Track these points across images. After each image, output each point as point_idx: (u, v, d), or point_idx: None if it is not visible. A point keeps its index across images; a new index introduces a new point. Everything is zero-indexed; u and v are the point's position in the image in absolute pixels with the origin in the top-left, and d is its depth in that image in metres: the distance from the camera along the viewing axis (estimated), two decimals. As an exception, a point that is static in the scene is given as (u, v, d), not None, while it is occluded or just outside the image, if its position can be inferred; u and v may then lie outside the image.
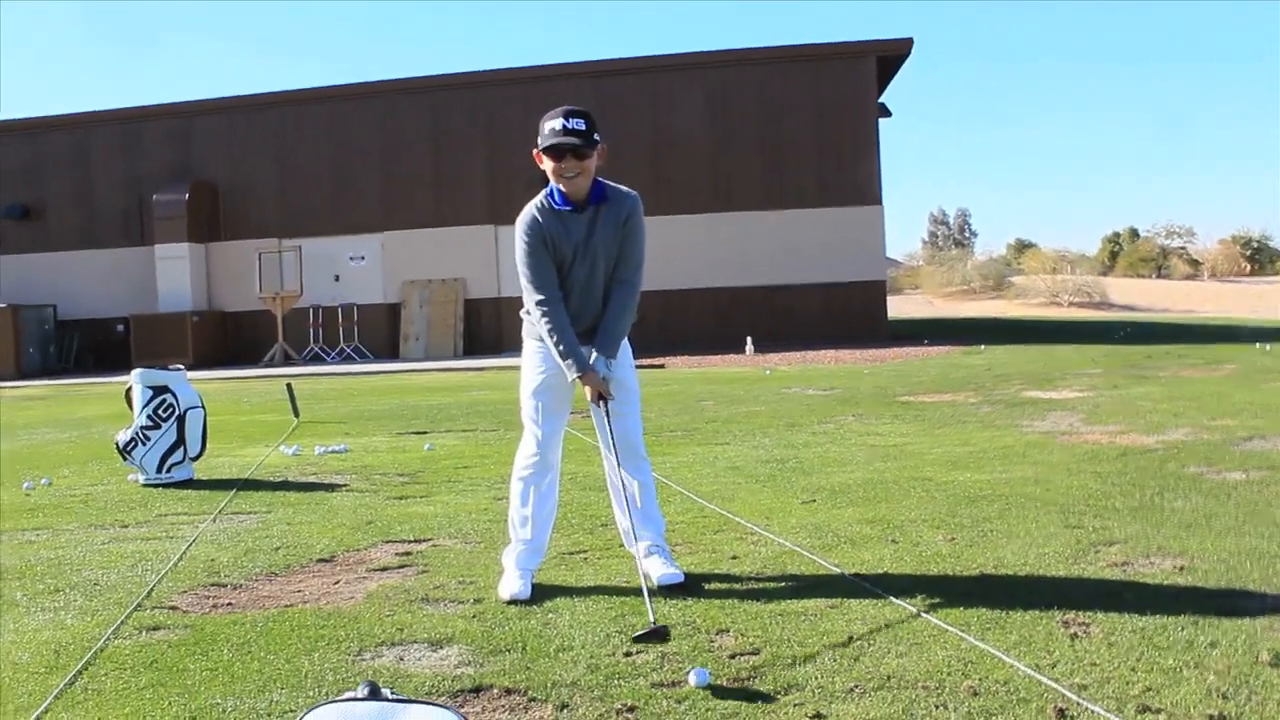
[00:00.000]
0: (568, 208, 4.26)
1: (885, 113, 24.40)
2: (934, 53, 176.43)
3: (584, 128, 4.14)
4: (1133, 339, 20.60)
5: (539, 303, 4.26)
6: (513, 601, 4.19)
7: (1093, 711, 2.95)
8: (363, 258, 24.34)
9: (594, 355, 4.30)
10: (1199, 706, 2.96)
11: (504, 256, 23.03)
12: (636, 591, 4.25)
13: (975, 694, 3.11)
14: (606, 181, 4.33)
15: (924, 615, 3.83)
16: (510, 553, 4.46)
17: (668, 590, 4.25)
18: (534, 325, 4.39)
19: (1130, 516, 5.24)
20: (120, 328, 24.28)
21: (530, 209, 4.29)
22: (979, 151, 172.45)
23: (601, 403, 4.32)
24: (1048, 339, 21.72)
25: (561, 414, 4.49)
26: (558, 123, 4.14)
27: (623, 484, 4.47)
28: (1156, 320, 31.52)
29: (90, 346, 24.60)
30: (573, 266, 4.29)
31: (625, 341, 4.47)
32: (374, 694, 1.70)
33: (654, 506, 4.57)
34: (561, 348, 4.25)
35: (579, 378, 4.27)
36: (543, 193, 4.31)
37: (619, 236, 4.30)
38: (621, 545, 4.97)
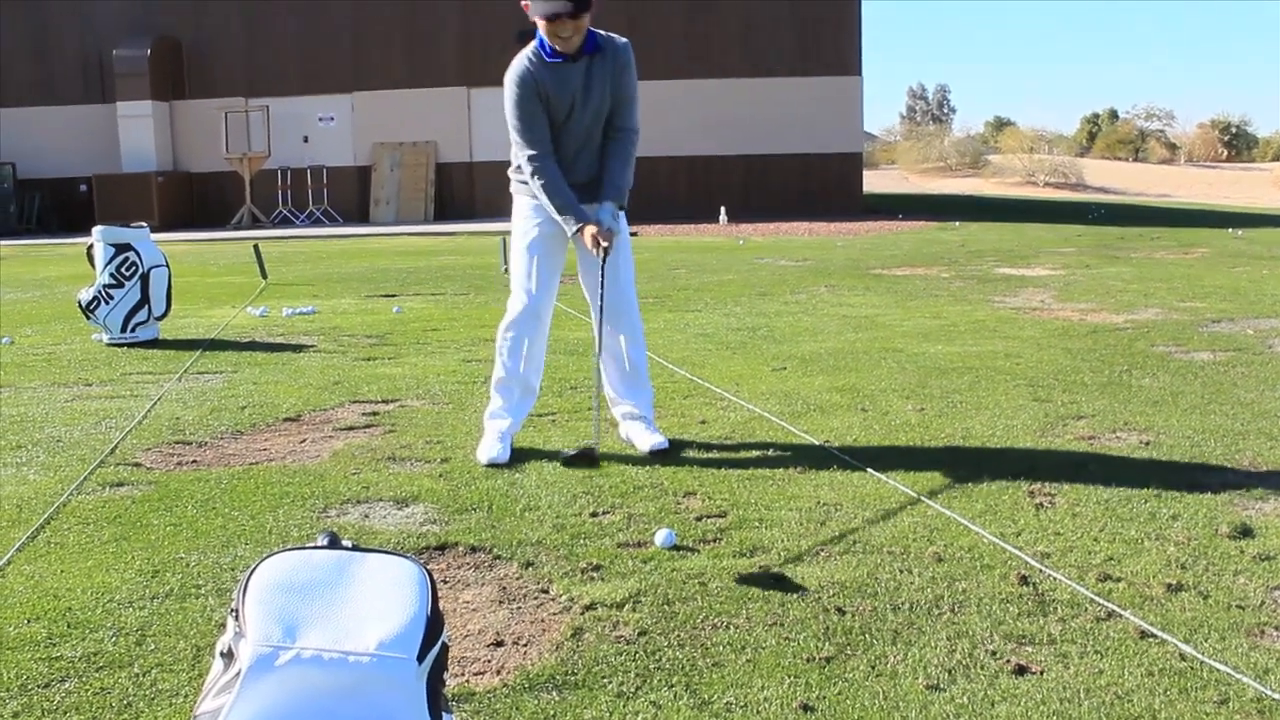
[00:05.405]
0: (559, 59, 4.04)
1: (869, -19, 23.90)
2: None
3: None
4: (1106, 220, 20.56)
5: (530, 158, 4.07)
6: (491, 465, 4.14)
7: (1055, 579, 2.98)
8: (332, 118, 23.77)
9: (601, 205, 4.14)
10: (1158, 576, 2.99)
11: (477, 120, 22.56)
12: (604, 455, 4.25)
13: (940, 560, 3.13)
14: (597, 30, 4.09)
15: (891, 482, 3.85)
16: (491, 415, 4.34)
17: (649, 455, 4.24)
18: (525, 181, 4.22)
19: (1098, 392, 5.26)
20: (83, 188, 23.68)
21: (522, 60, 4.05)
22: (961, 27, 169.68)
23: (601, 252, 4.08)
24: (1022, 217, 21.63)
25: (555, 270, 4.32)
26: None
27: (618, 345, 4.33)
28: (1130, 204, 31.47)
29: (53, 207, 24.03)
30: (569, 119, 4.10)
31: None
32: (333, 543, 1.67)
33: (645, 372, 4.44)
34: (557, 202, 4.08)
35: (578, 231, 4.08)
36: (532, 44, 4.07)
37: (612, 86, 4.11)
38: (589, 408, 4.97)
